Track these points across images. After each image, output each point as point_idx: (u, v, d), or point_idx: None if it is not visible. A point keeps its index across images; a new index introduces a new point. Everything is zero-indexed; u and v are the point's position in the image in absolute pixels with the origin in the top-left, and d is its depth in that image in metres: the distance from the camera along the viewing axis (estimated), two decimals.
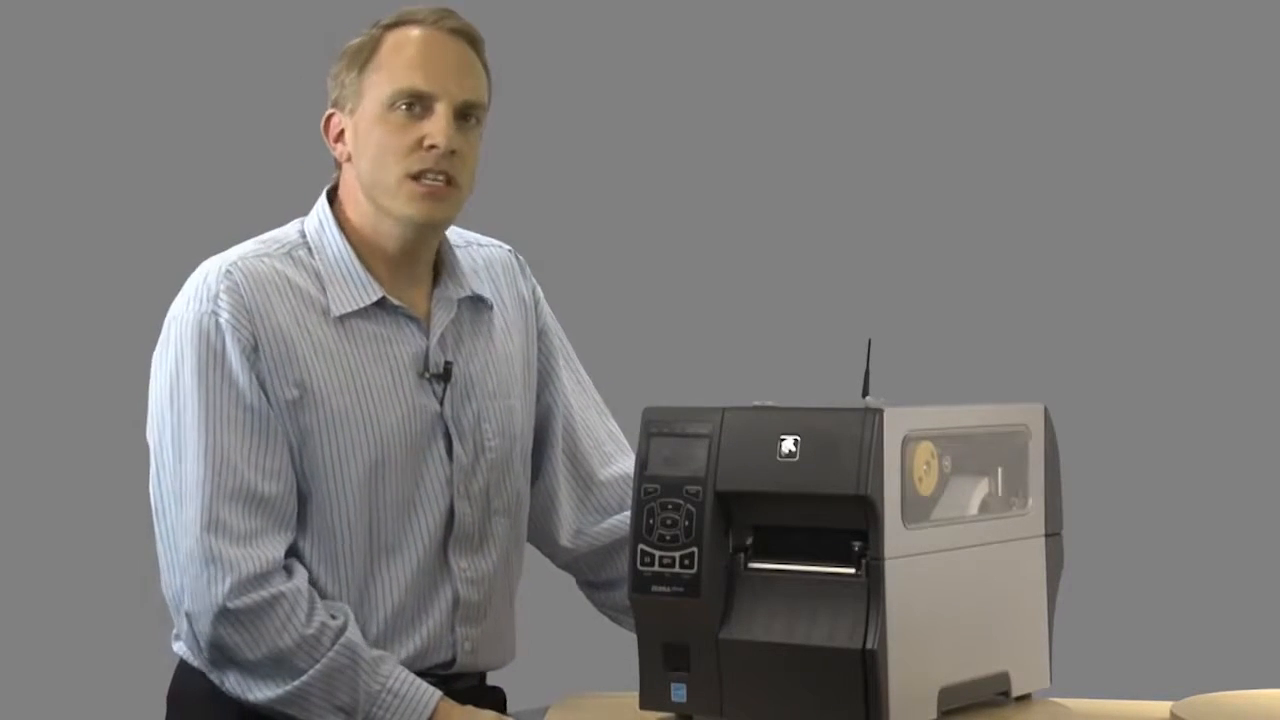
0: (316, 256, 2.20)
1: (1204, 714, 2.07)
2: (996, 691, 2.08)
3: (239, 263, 2.16)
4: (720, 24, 3.83)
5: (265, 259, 2.18)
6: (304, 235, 2.23)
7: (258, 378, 2.12)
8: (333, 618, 2.11)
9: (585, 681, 2.32)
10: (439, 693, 2.11)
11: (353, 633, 2.11)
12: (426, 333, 2.23)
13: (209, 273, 2.17)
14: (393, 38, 2.19)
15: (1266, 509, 3.64)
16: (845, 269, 3.75)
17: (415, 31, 2.19)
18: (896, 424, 1.92)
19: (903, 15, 3.82)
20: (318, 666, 2.08)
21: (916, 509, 1.97)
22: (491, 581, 2.28)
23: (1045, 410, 2.14)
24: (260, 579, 2.08)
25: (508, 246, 2.40)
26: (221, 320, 2.12)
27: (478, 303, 2.29)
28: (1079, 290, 3.72)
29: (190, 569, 2.08)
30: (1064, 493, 2.19)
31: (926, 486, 2.00)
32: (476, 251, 2.35)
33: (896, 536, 1.92)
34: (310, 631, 2.08)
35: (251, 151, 3.62)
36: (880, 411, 1.90)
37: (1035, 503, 2.12)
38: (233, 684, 2.11)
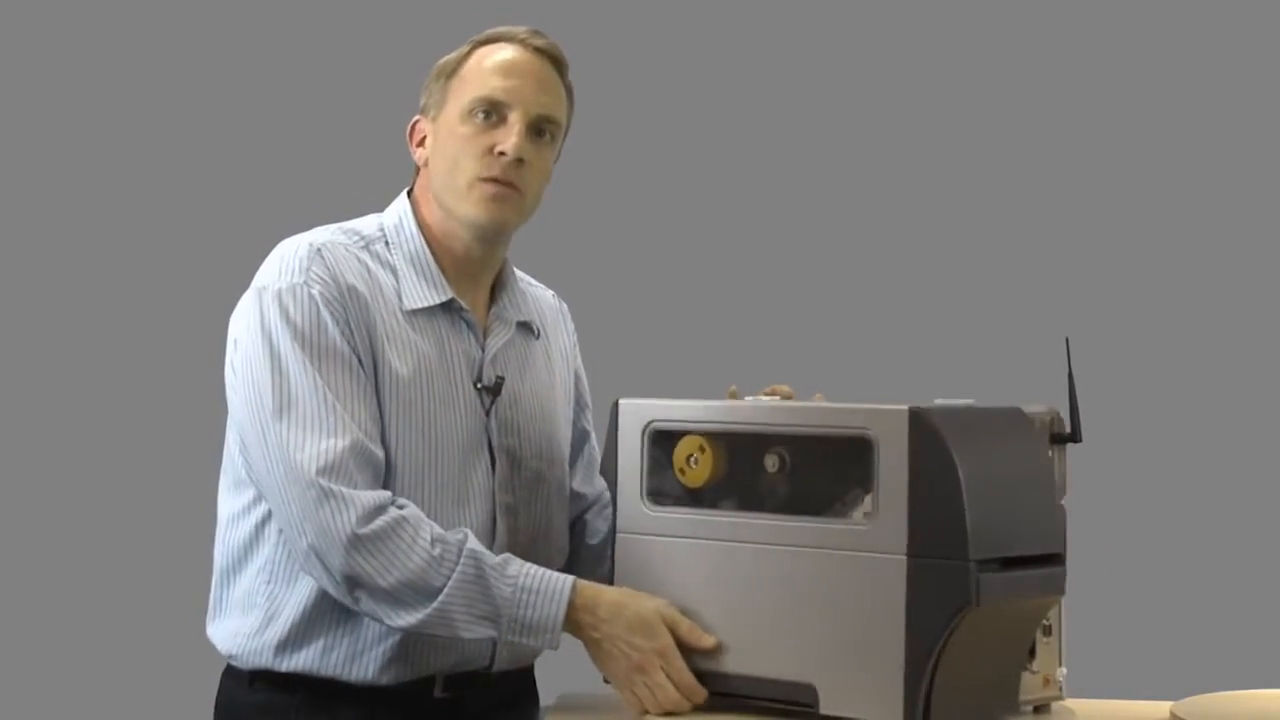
0: (394, 251, 2.27)
1: (1204, 714, 2.07)
2: (797, 700, 2.04)
3: (326, 244, 2.22)
4: (719, 27, 3.84)
5: (347, 248, 2.24)
6: (382, 230, 2.29)
7: (353, 348, 2.17)
8: (452, 533, 2.13)
9: (584, 681, 2.32)
10: (571, 578, 2.12)
11: (473, 543, 2.12)
12: (483, 344, 2.29)
13: (298, 247, 2.21)
14: (481, 52, 2.28)
15: (1266, 510, 3.65)
16: (857, 265, 3.76)
17: (503, 48, 2.27)
18: (637, 413, 2.18)
19: (917, 17, 3.83)
20: (451, 583, 2.09)
21: (674, 495, 2.17)
22: None
23: (912, 417, 1.97)
24: (379, 509, 2.10)
25: (552, 291, 2.49)
26: (314, 292, 2.16)
27: (529, 330, 2.37)
28: (1084, 292, 3.73)
29: (309, 510, 2.09)
30: (1068, 496, 2.14)
31: (694, 478, 2.15)
32: (529, 289, 2.43)
33: (636, 515, 2.18)
34: (436, 552, 2.09)
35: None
36: (617, 401, 2.19)
37: (888, 517, 1.97)
38: (373, 612, 2.12)
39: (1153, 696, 2.21)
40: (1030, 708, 2.14)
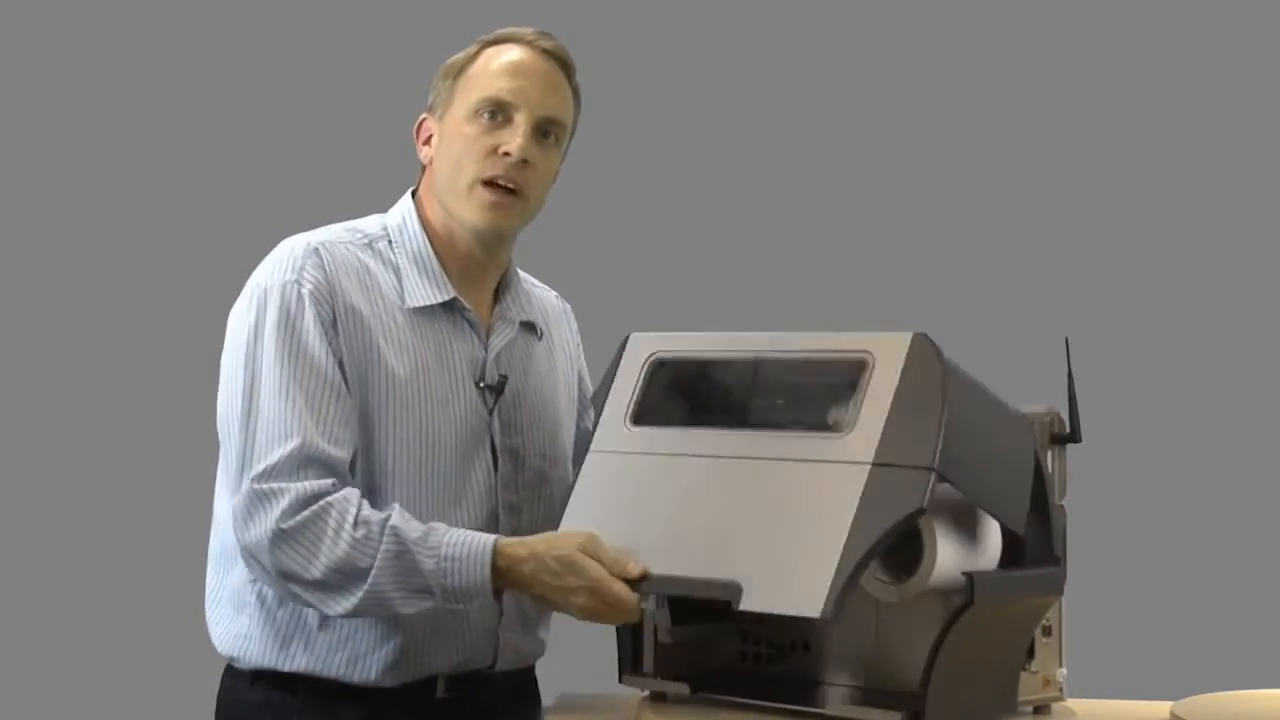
0: (396, 250, 2.27)
1: (1204, 714, 2.08)
2: (722, 599, 2.02)
3: (326, 243, 2.22)
4: (723, 28, 3.84)
5: (349, 246, 2.24)
6: (385, 229, 2.30)
7: (333, 351, 2.16)
8: (378, 512, 2.12)
9: (584, 681, 2.32)
10: (492, 538, 2.11)
11: (397, 518, 2.11)
12: (486, 344, 2.29)
13: (295, 247, 2.22)
14: (489, 52, 2.28)
15: (1266, 510, 3.65)
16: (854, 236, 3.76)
17: (510, 49, 2.27)
18: (643, 346, 2.24)
19: (923, 17, 3.83)
20: (377, 563, 2.08)
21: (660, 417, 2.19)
22: None
23: (915, 339, 2.02)
24: (310, 499, 2.10)
25: (555, 293, 2.49)
26: (304, 291, 2.17)
27: (532, 330, 2.37)
28: (1084, 292, 3.73)
29: (242, 512, 2.11)
30: (1067, 496, 2.14)
31: None
32: (533, 290, 2.43)
33: (615, 434, 2.21)
34: (360, 534, 2.09)
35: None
36: (628, 336, 2.25)
37: (864, 428, 2.00)
38: (310, 603, 2.12)
39: (1153, 696, 2.21)
40: (1030, 708, 2.14)
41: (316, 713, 2.21)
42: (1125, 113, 3.79)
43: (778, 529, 2.00)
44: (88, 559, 3.75)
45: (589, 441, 2.47)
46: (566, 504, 2.19)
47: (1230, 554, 3.62)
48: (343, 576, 2.08)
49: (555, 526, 2.34)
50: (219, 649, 2.27)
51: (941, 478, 1.94)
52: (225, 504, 2.26)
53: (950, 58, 3.83)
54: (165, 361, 3.67)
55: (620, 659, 2.22)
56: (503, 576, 2.09)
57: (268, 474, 2.10)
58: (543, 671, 2.40)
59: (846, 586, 1.91)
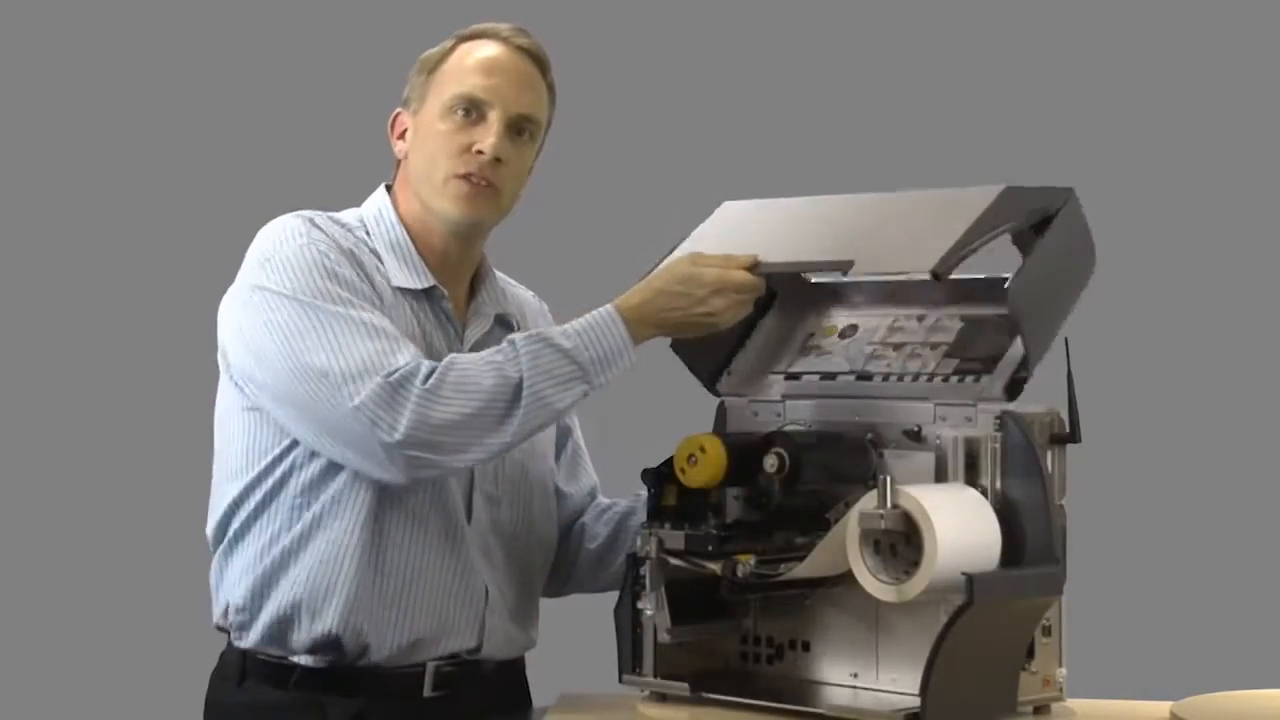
0: (374, 239, 2.29)
1: (1204, 714, 2.08)
2: (835, 269, 2.19)
3: (315, 216, 2.26)
4: (710, 24, 3.85)
5: (330, 225, 2.27)
6: (362, 221, 2.32)
7: (371, 287, 2.20)
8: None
9: (585, 681, 2.32)
10: (607, 305, 2.17)
11: (518, 334, 2.17)
12: (461, 336, 2.31)
13: (286, 221, 2.25)
14: (464, 48, 2.30)
15: (1266, 509, 3.65)
16: None
17: (485, 45, 2.29)
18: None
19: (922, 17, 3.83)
20: (525, 368, 2.11)
21: None
22: (515, 578, 2.34)
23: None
24: (434, 365, 2.11)
25: (532, 292, 2.50)
26: (321, 249, 2.20)
27: (507, 325, 2.38)
28: (1090, 290, 3.72)
29: (380, 406, 2.08)
30: (1067, 496, 2.15)
31: (694, 478, 2.16)
32: (510, 289, 2.45)
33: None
34: (498, 358, 2.13)
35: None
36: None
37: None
38: (483, 447, 2.12)
39: (1153, 696, 2.21)
40: (1030, 708, 2.14)
41: (304, 712, 2.21)
42: (1124, 113, 3.79)
43: (894, 229, 2.16)
44: (82, 559, 3.75)
45: (569, 438, 2.49)
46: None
47: (1230, 554, 3.62)
48: (502, 399, 2.10)
49: (534, 521, 2.38)
50: (216, 611, 2.29)
51: (1045, 223, 2.14)
52: (224, 497, 2.27)
53: (948, 57, 3.83)
54: (155, 364, 3.67)
55: (620, 659, 2.22)
56: (637, 325, 2.15)
57: (395, 370, 2.10)
58: (543, 671, 2.40)
59: (957, 250, 2.06)
